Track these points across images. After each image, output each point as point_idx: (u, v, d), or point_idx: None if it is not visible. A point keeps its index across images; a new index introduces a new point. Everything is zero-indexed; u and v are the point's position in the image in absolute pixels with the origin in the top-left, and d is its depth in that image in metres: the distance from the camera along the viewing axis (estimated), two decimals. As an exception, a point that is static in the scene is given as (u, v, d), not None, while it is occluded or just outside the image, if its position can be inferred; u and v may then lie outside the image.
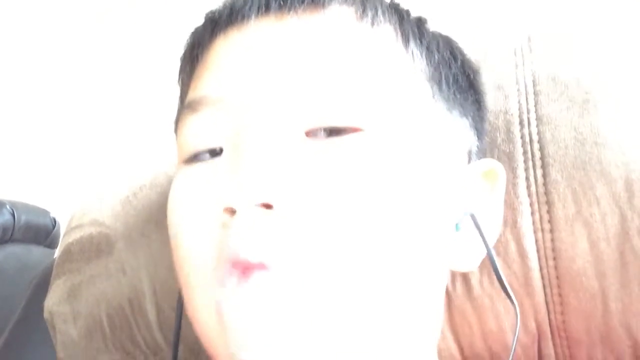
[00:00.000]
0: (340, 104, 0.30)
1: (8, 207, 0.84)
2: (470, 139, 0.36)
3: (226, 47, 0.32)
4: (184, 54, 0.36)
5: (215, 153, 0.32)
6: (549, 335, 0.39)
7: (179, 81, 0.37)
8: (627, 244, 0.35)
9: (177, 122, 0.34)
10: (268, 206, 0.28)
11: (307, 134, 0.30)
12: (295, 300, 0.27)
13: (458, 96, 0.35)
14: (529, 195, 0.38)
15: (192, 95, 0.33)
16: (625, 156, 0.35)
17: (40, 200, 0.95)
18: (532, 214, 0.38)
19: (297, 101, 0.30)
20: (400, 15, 0.34)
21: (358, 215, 0.28)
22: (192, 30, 0.36)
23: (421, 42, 0.34)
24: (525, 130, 0.38)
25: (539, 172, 0.37)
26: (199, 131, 0.32)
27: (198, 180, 0.31)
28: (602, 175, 0.36)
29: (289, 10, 0.31)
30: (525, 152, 0.38)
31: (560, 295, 0.38)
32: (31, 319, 0.58)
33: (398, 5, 0.35)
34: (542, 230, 0.37)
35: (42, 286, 0.55)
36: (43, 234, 0.92)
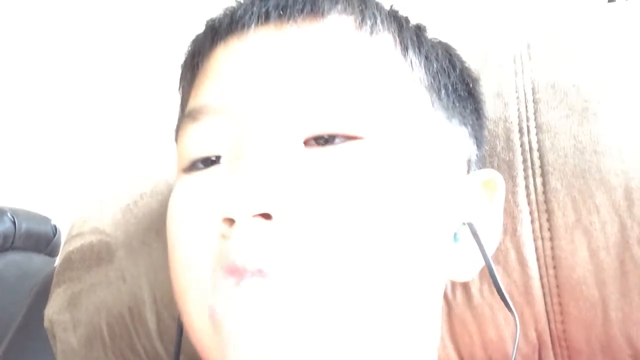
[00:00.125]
0: (340, 112, 0.30)
1: (9, 214, 0.84)
2: (469, 148, 0.36)
3: (226, 56, 0.33)
4: (185, 62, 0.37)
5: (214, 162, 0.32)
6: (550, 345, 0.39)
7: (179, 89, 0.38)
8: (627, 252, 0.35)
9: (178, 130, 0.34)
10: (267, 216, 0.28)
11: (307, 142, 0.30)
12: (292, 308, 0.27)
13: (457, 105, 0.35)
14: (529, 203, 0.38)
15: (192, 103, 0.33)
16: (624, 164, 0.35)
17: (41, 208, 0.95)
18: (532, 222, 0.37)
19: (297, 110, 0.30)
20: (399, 24, 0.34)
21: (357, 225, 0.28)
22: (193, 37, 0.36)
23: (420, 50, 0.34)
24: (525, 139, 0.38)
25: (539, 180, 0.37)
26: (199, 140, 0.32)
27: (197, 189, 0.31)
28: (602, 184, 0.36)
29: (289, 19, 0.31)
30: (524, 160, 0.38)
31: (560, 304, 0.37)
32: (31, 327, 0.58)
33: (397, 12, 0.35)
34: (542, 238, 0.37)
35: (42, 294, 0.55)
36: (44, 241, 0.92)
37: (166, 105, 0.46)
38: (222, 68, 0.32)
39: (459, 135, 0.35)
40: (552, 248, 0.37)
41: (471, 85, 0.37)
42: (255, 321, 0.27)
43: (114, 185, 0.54)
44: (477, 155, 0.37)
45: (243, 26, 0.32)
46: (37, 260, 0.91)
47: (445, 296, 0.40)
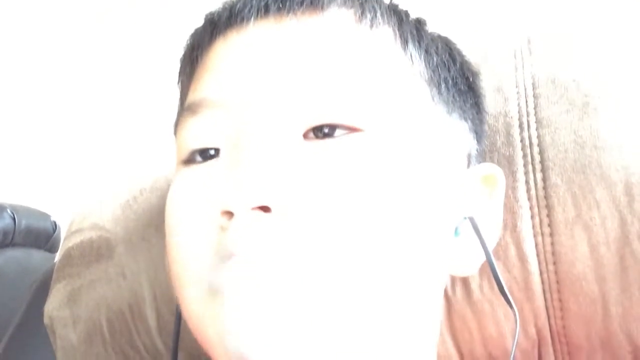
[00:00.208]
0: (340, 104, 0.30)
1: (9, 210, 0.84)
2: (469, 142, 0.36)
3: (226, 50, 0.33)
4: (184, 56, 0.37)
5: (213, 155, 0.32)
6: (549, 341, 0.39)
7: (178, 83, 0.38)
8: (627, 248, 0.35)
9: (177, 124, 0.34)
10: (266, 209, 0.28)
11: (306, 135, 0.30)
12: (291, 300, 0.27)
13: (457, 99, 0.35)
14: (529, 198, 0.38)
15: (191, 97, 0.33)
16: (625, 160, 0.35)
17: (41, 204, 0.95)
18: (532, 217, 0.37)
19: (296, 103, 0.30)
20: (399, 17, 0.34)
21: (357, 217, 0.28)
22: (192, 31, 0.36)
23: (420, 44, 0.34)
24: (525, 134, 0.38)
25: (539, 175, 0.37)
26: (198, 133, 0.32)
27: (196, 182, 0.31)
28: (602, 179, 0.35)
29: (288, 12, 0.31)
30: (525, 156, 0.38)
31: (560, 300, 0.37)
32: (31, 324, 0.58)
33: (397, 6, 0.35)
34: (542, 234, 0.37)
35: (42, 290, 0.55)
36: (43, 238, 0.92)
37: (165, 102, 0.46)
38: (221, 62, 0.32)
39: (459, 129, 0.35)
40: (552, 244, 0.37)
41: (471, 79, 0.37)
42: (256, 315, 0.27)
43: (114, 181, 0.54)
44: (477, 150, 0.37)
45: (242, 20, 0.32)
46: (36, 256, 0.91)
47: (445, 292, 0.40)
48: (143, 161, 0.54)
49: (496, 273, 0.34)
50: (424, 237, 0.31)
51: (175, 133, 0.35)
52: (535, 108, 0.38)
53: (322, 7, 0.32)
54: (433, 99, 0.33)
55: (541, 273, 0.37)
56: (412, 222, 0.30)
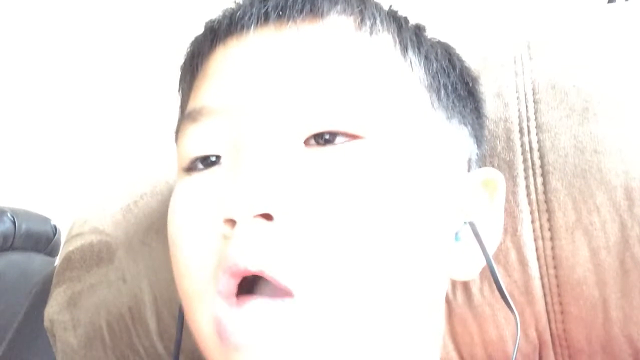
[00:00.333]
0: (340, 111, 0.30)
1: (9, 214, 0.84)
2: (469, 147, 0.36)
3: (226, 57, 0.33)
4: (184, 64, 0.37)
5: (215, 162, 0.32)
6: (550, 345, 0.39)
7: (179, 90, 0.38)
8: (628, 252, 0.35)
9: (178, 131, 0.34)
10: (268, 217, 0.28)
11: (307, 142, 0.30)
12: (295, 314, 0.27)
13: (457, 104, 0.35)
14: (529, 203, 0.38)
15: (192, 105, 0.33)
16: (625, 164, 0.35)
17: (41, 208, 0.95)
18: (533, 222, 0.37)
19: (297, 110, 0.30)
20: (398, 24, 0.34)
21: (359, 224, 0.28)
22: (192, 39, 0.36)
23: (419, 50, 0.34)
24: (525, 139, 0.38)
25: (539, 180, 0.37)
26: (199, 141, 0.32)
27: (198, 190, 0.31)
28: (602, 184, 0.36)
29: (288, 20, 0.31)
30: (525, 160, 0.38)
31: (561, 304, 0.38)
32: (31, 327, 0.58)
33: (396, 12, 0.35)
34: (543, 238, 0.37)
35: (42, 294, 0.55)
36: (44, 241, 0.92)
37: (166, 106, 0.46)
38: (221, 69, 0.32)
39: (459, 134, 0.35)
40: (553, 248, 0.37)
41: (471, 85, 0.37)
42: (260, 333, 0.27)
43: (114, 185, 0.54)
44: (477, 155, 0.37)
45: (242, 27, 0.32)
46: (37, 260, 0.91)
47: (446, 296, 0.40)
48: (143, 165, 0.54)
49: (496, 277, 0.34)
50: (425, 241, 0.31)
51: (176, 140, 0.35)
52: (535, 113, 0.38)
53: (321, 15, 0.32)
54: (433, 105, 0.34)
55: (542, 277, 0.38)
56: (413, 227, 0.30)
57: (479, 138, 0.37)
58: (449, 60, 0.36)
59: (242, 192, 0.27)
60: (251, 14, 0.32)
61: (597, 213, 0.36)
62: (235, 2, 0.34)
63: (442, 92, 0.34)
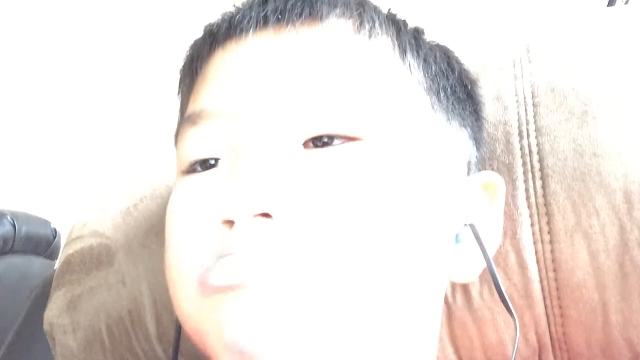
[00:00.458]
0: (339, 113, 0.30)
1: (9, 217, 0.84)
2: (469, 150, 0.36)
3: (225, 61, 0.33)
4: (184, 67, 0.37)
5: (213, 165, 0.32)
6: (550, 348, 0.39)
7: (178, 94, 0.38)
8: (627, 255, 0.35)
9: (177, 134, 0.34)
10: (267, 216, 0.28)
11: (305, 145, 0.30)
12: (294, 308, 0.27)
13: (456, 107, 0.35)
14: (529, 206, 0.38)
15: (191, 108, 0.33)
16: (624, 168, 0.35)
17: (41, 211, 0.95)
18: (532, 225, 0.37)
19: (296, 113, 0.30)
20: (397, 27, 0.34)
21: (357, 225, 0.28)
22: (192, 43, 0.36)
23: (418, 53, 0.34)
24: (525, 142, 0.38)
25: (539, 183, 0.37)
26: (198, 143, 0.32)
27: (197, 191, 0.31)
28: (601, 187, 0.36)
29: (287, 23, 0.32)
30: (524, 164, 0.38)
31: (560, 307, 0.37)
32: (31, 330, 0.58)
33: (395, 16, 0.36)
34: (542, 241, 0.37)
35: (42, 297, 0.55)
36: (44, 244, 0.92)
37: (166, 109, 0.46)
38: (220, 73, 0.33)
39: (458, 137, 0.35)
40: (552, 251, 0.37)
41: (470, 87, 0.37)
42: (258, 322, 0.26)
43: (114, 188, 0.54)
44: (476, 157, 0.37)
45: (241, 31, 0.32)
46: (36, 263, 0.91)
47: (446, 299, 0.40)
48: (143, 168, 0.54)
49: (496, 280, 0.34)
50: (424, 243, 0.31)
51: (175, 143, 0.35)
52: (534, 116, 0.38)
53: (320, 18, 0.32)
54: (432, 108, 0.34)
55: (541, 280, 0.38)
56: (412, 229, 0.30)
57: (478, 140, 0.37)
58: (448, 63, 0.36)
59: (241, 193, 0.28)
60: (250, 18, 0.32)
61: (597, 216, 0.36)
62: (234, 5, 0.34)
63: (441, 94, 0.34)
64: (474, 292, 0.39)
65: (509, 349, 0.39)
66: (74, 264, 0.51)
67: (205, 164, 0.32)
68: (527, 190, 0.38)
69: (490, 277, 0.35)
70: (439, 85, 0.34)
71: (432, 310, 0.35)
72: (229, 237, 0.28)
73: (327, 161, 0.29)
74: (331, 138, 0.30)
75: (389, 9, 0.36)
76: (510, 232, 0.38)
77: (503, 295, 0.34)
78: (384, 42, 0.33)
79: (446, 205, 0.33)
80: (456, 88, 0.36)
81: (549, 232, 0.37)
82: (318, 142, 0.30)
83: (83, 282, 0.51)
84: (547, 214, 0.37)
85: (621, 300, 0.36)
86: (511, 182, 0.38)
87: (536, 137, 0.38)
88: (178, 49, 0.37)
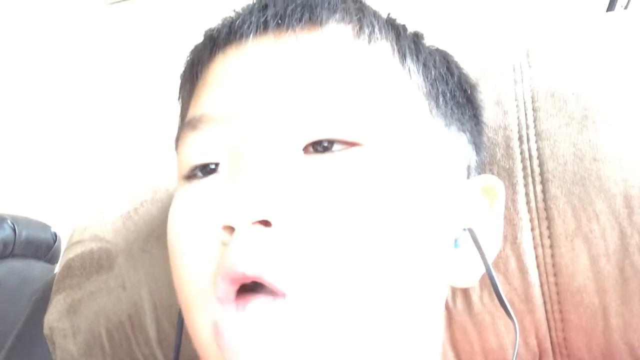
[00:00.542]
0: (339, 118, 0.30)
1: (9, 221, 0.84)
2: (468, 154, 0.36)
3: (225, 66, 0.33)
4: (184, 72, 0.37)
5: (214, 170, 0.32)
6: (550, 353, 0.39)
7: (179, 98, 0.38)
8: (627, 260, 0.35)
9: (178, 139, 0.34)
10: (267, 223, 0.28)
11: (306, 150, 0.30)
12: (294, 319, 0.27)
13: (455, 111, 0.35)
14: (529, 211, 0.38)
15: (192, 113, 0.33)
16: (624, 172, 0.35)
17: (41, 215, 0.95)
18: (532, 229, 0.37)
19: (296, 118, 0.30)
20: (396, 32, 0.34)
21: (357, 231, 0.28)
22: (192, 48, 0.36)
23: (417, 58, 0.34)
24: (525, 146, 0.38)
25: (539, 187, 0.37)
26: (199, 149, 0.32)
27: (197, 197, 0.31)
28: (602, 191, 0.36)
29: (287, 28, 0.32)
30: (524, 168, 0.38)
31: (561, 311, 0.37)
32: (31, 335, 0.58)
33: (394, 20, 0.36)
34: (542, 246, 0.37)
35: (42, 301, 0.55)
36: (44, 249, 0.92)
37: (166, 113, 0.47)
38: (221, 78, 0.33)
39: (458, 141, 0.35)
40: (553, 255, 0.37)
41: (469, 92, 0.37)
42: (259, 340, 0.27)
43: (115, 192, 0.54)
44: (476, 161, 0.37)
45: (241, 36, 0.32)
46: (37, 267, 0.91)
47: (446, 304, 0.40)
48: (144, 172, 0.54)
49: (495, 284, 0.34)
50: (423, 248, 0.31)
51: (176, 148, 0.35)
52: (534, 121, 0.38)
53: (320, 23, 0.32)
54: (431, 112, 0.34)
55: (542, 285, 0.37)
56: (411, 234, 0.30)
57: (477, 145, 0.37)
58: (447, 68, 0.36)
59: (241, 199, 0.28)
60: (250, 23, 0.32)
61: (597, 221, 0.36)
62: (234, 10, 0.35)
63: (441, 99, 0.34)
64: (475, 296, 0.39)
65: (510, 354, 0.39)
66: (75, 268, 0.51)
67: (206, 169, 0.32)
68: (527, 194, 0.38)
69: (490, 281, 0.35)
70: (438, 89, 0.34)
71: (433, 315, 0.35)
72: (229, 251, 0.28)
73: (327, 167, 0.29)
74: (331, 143, 0.30)
75: (389, 14, 0.36)
76: (511, 236, 0.38)
77: (502, 300, 0.34)
78: (384, 46, 0.33)
79: (445, 210, 0.33)
80: (455, 93, 0.36)
81: (549, 237, 0.37)
82: (318, 147, 0.30)
83: (83, 286, 0.50)
84: (548, 218, 0.37)
85: (622, 305, 0.36)
86: (511, 186, 0.38)
87: (536, 141, 0.38)
88: (178, 54, 0.37)
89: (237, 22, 0.33)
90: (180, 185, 0.33)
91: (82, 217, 0.55)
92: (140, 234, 0.49)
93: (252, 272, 0.27)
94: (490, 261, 0.34)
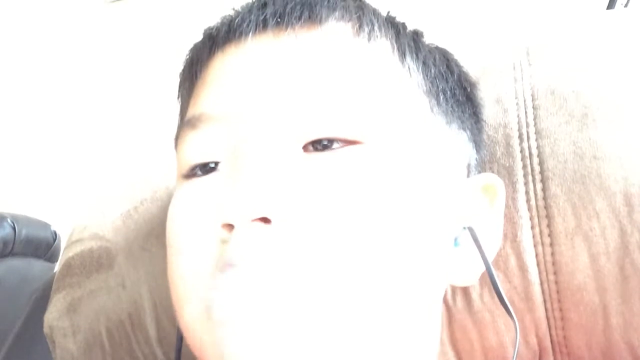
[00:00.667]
0: (338, 117, 0.30)
1: (9, 220, 0.84)
2: (469, 152, 0.36)
3: (224, 64, 0.33)
4: (183, 71, 0.37)
5: (213, 168, 0.32)
6: (550, 351, 0.39)
7: (178, 97, 0.38)
8: (627, 258, 0.35)
9: (177, 138, 0.34)
10: (266, 220, 0.28)
11: (305, 148, 0.30)
12: (291, 311, 0.27)
13: (456, 109, 0.35)
14: (529, 209, 0.38)
15: (191, 111, 0.33)
16: (624, 170, 0.35)
17: (41, 214, 0.95)
18: (532, 227, 0.37)
19: (295, 116, 0.30)
20: (396, 30, 0.34)
21: (357, 229, 0.28)
22: (191, 46, 0.36)
23: (417, 56, 0.34)
24: (525, 144, 0.38)
25: (539, 186, 0.37)
26: (198, 147, 0.32)
27: (197, 196, 0.31)
28: (602, 189, 0.36)
29: (286, 27, 0.32)
30: (524, 166, 0.38)
31: (561, 310, 0.37)
32: (31, 333, 0.58)
33: (394, 18, 0.36)
34: (542, 244, 0.37)
35: (42, 300, 0.55)
36: (44, 247, 0.92)
37: (166, 111, 0.46)
38: (220, 76, 0.33)
39: (458, 139, 0.35)
40: (553, 254, 0.37)
41: (469, 90, 0.37)
42: (251, 314, 0.27)
43: (115, 191, 0.54)
44: (476, 160, 0.37)
45: (241, 34, 0.32)
46: (37, 266, 0.91)
47: (446, 302, 0.40)
48: (144, 171, 0.54)
49: (495, 282, 0.34)
50: (423, 246, 0.31)
51: (175, 147, 0.35)
52: (534, 119, 0.38)
53: (320, 21, 0.32)
54: (432, 110, 0.34)
55: (542, 283, 0.37)
56: (411, 232, 0.30)
57: (477, 143, 0.37)
58: (447, 66, 0.36)
59: (241, 196, 0.28)
60: (249, 21, 0.32)
61: (597, 219, 0.36)
62: (233, 9, 0.34)
63: (441, 97, 0.34)
64: (474, 295, 0.39)
65: (510, 352, 0.39)
66: (74, 267, 0.51)
67: (206, 168, 0.32)
68: (527, 192, 0.38)
69: (489, 279, 0.35)
70: (438, 87, 0.34)
71: (431, 312, 0.35)
72: (229, 245, 0.28)
73: (327, 165, 0.29)
74: (331, 141, 0.30)
75: (388, 12, 0.36)
76: (511, 234, 0.38)
77: (502, 298, 0.34)
78: (383, 44, 0.33)
79: (445, 208, 0.33)
80: (455, 90, 0.36)
81: (549, 235, 0.37)
82: (318, 145, 0.30)
83: (83, 285, 0.50)
84: (548, 216, 0.37)
85: (622, 303, 0.36)
86: (511, 184, 0.38)
87: (536, 139, 0.38)
88: (178, 52, 0.37)
89: (237, 20, 0.33)
90: (179, 184, 0.33)
91: (82, 215, 0.55)
92: (140, 233, 0.49)
93: (249, 269, 0.27)
94: (490, 259, 0.34)
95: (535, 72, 0.39)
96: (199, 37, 0.36)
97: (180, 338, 0.38)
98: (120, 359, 0.49)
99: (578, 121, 0.37)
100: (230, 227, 0.28)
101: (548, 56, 0.40)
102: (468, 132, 0.36)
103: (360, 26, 0.33)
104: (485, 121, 0.39)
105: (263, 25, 0.32)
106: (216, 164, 0.31)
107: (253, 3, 0.34)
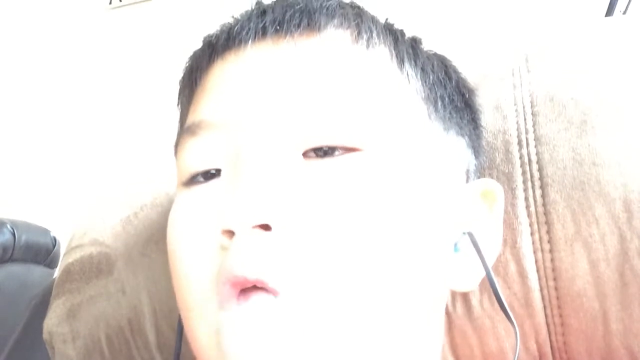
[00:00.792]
0: (338, 124, 0.30)
1: (8, 226, 0.84)
2: (467, 158, 0.36)
3: (224, 72, 0.33)
4: (183, 78, 0.37)
5: (214, 175, 0.32)
6: (550, 357, 0.39)
7: (178, 104, 0.38)
8: (627, 264, 0.35)
9: (177, 145, 0.34)
10: (266, 227, 0.28)
11: (305, 155, 0.30)
12: (295, 322, 0.27)
13: (454, 116, 0.35)
14: (528, 215, 0.38)
15: (191, 118, 0.33)
16: (623, 177, 0.35)
17: (40, 219, 0.95)
18: (532, 234, 0.37)
19: (295, 123, 0.30)
20: (394, 36, 0.35)
21: (357, 236, 0.28)
22: (191, 54, 0.36)
23: (416, 63, 0.34)
24: (524, 151, 0.38)
25: (538, 192, 0.37)
26: (198, 154, 0.32)
27: (197, 202, 0.31)
28: (601, 196, 0.36)
29: (286, 34, 0.32)
30: (524, 173, 0.38)
31: (561, 316, 0.37)
32: (30, 339, 0.58)
33: (392, 25, 0.36)
34: (542, 250, 0.37)
35: (41, 306, 0.54)
36: (43, 253, 0.91)
37: (166, 117, 0.47)
38: (220, 83, 0.33)
39: (456, 145, 0.35)
40: (552, 260, 0.37)
41: (467, 96, 0.37)
42: (259, 340, 0.27)
43: (114, 196, 0.54)
44: (475, 165, 0.37)
45: (240, 42, 0.32)
46: (36, 271, 0.90)
47: (446, 308, 0.40)
48: (143, 177, 0.54)
49: (495, 288, 0.34)
50: (423, 252, 0.31)
51: (175, 154, 0.35)
52: (534, 126, 0.38)
53: (318, 29, 0.32)
54: (430, 117, 0.34)
55: (541, 289, 0.37)
56: (411, 239, 0.30)
57: (476, 149, 0.37)
58: (445, 72, 0.36)
59: (241, 203, 0.28)
60: (249, 29, 0.32)
61: (596, 225, 0.36)
62: (233, 16, 0.35)
63: (439, 103, 0.34)
64: (474, 301, 0.39)
65: (510, 358, 0.39)
66: (74, 273, 0.51)
67: (206, 175, 0.32)
68: (526, 199, 0.38)
69: (489, 285, 0.35)
70: (436, 94, 0.34)
71: (432, 319, 0.35)
72: (228, 255, 0.28)
73: (326, 172, 0.29)
74: (332, 149, 0.30)
75: (387, 19, 0.36)
76: (510, 241, 0.38)
77: (502, 304, 0.34)
78: (382, 51, 0.33)
79: (444, 214, 0.33)
80: (454, 97, 0.36)
81: (548, 241, 0.37)
82: (318, 151, 0.30)
83: (83, 290, 0.50)
84: (547, 222, 0.37)
85: (621, 309, 0.36)
86: (511, 191, 0.38)
87: (535, 146, 0.38)
88: (178, 60, 0.38)
89: (236, 28, 0.33)
90: (179, 191, 0.33)
91: (81, 221, 0.55)
92: (139, 239, 0.49)
93: (253, 276, 0.27)
94: (490, 265, 0.34)
95: (534, 79, 0.39)
96: (199, 44, 0.36)
97: (179, 344, 0.38)
98: (120, 365, 0.49)
99: (577, 128, 0.37)
100: (230, 233, 0.28)
101: (547, 63, 0.40)
102: (467, 138, 0.36)
103: (359, 33, 0.33)
104: (484, 127, 0.39)
105: (262, 32, 0.32)
106: (217, 170, 0.32)
107: (252, 11, 0.34)
